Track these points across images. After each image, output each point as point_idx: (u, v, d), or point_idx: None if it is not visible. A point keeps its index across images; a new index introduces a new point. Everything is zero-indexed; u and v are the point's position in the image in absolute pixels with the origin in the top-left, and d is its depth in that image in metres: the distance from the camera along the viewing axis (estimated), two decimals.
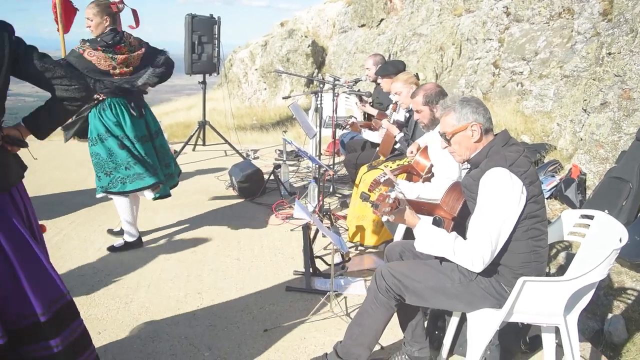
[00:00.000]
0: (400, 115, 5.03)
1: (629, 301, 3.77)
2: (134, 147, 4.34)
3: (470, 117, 2.62)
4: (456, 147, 2.69)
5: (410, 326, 2.97)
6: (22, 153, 2.47)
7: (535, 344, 3.17)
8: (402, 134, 4.77)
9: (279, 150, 8.23)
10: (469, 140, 2.64)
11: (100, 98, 4.27)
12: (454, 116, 2.65)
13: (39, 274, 2.26)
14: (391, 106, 5.30)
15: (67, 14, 6.95)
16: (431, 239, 2.56)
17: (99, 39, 4.14)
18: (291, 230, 5.17)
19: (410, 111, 4.82)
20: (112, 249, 4.60)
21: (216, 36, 7.89)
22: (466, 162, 2.77)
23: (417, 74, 4.98)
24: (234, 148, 7.96)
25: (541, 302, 2.58)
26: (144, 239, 4.80)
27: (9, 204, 2.24)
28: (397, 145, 4.85)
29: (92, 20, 4.18)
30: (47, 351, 2.29)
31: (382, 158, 4.96)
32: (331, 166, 5.80)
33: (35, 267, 2.26)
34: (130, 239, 4.64)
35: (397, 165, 4.53)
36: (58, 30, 6.71)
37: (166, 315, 3.60)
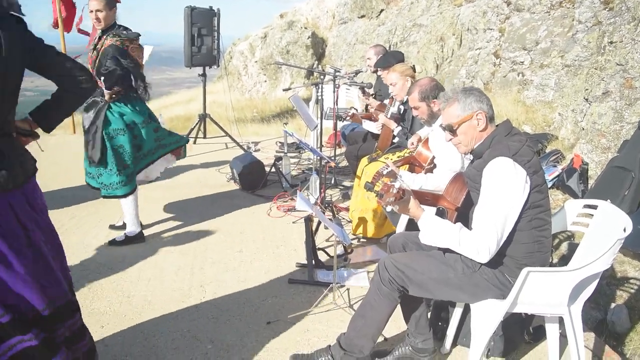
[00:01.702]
0: (395, 108, 5.01)
1: (632, 290, 3.77)
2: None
3: (475, 105, 2.61)
4: (462, 137, 2.67)
5: (414, 317, 2.96)
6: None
7: (539, 334, 3.17)
8: (400, 128, 4.75)
9: (280, 143, 8.21)
10: (475, 130, 2.63)
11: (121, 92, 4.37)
12: (458, 106, 2.64)
13: None
14: (387, 100, 5.27)
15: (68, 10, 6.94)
16: (436, 230, 2.54)
17: (131, 32, 4.30)
18: (293, 222, 5.17)
19: (404, 104, 4.80)
20: (113, 242, 4.60)
21: (216, 28, 7.85)
22: (469, 153, 2.75)
23: (413, 65, 4.93)
24: (234, 141, 7.95)
25: (545, 292, 2.57)
26: (146, 232, 4.80)
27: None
28: (396, 140, 4.83)
29: (102, 12, 4.18)
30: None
31: (380, 152, 4.95)
32: (332, 158, 5.78)
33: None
34: (131, 234, 4.64)
35: (398, 157, 4.51)
36: (56, 26, 6.70)
37: (169, 309, 3.60)
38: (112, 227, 4.91)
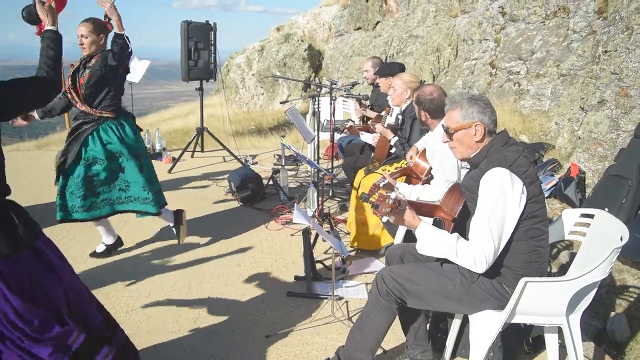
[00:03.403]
0: (392, 119, 5.01)
1: (631, 299, 3.76)
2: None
3: (476, 116, 2.61)
4: (457, 144, 2.69)
5: (413, 329, 2.96)
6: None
7: (538, 344, 3.16)
8: (396, 138, 4.75)
9: (278, 155, 8.22)
10: (471, 139, 2.63)
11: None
12: (460, 113, 2.64)
13: None
14: (384, 111, 5.28)
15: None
16: (433, 240, 2.54)
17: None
18: (291, 235, 5.16)
19: (402, 113, 4.81)
20: (94, 254, 4.64)
21: (212, 42, 7.89)
22: (466, 162, 2.76)
23: (423, 81, 4.93)
24: (232, 154, 7.96)
25: (543, 302, 2.57)
26: (144, 246, 4.82)
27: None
28: (393, 150, 4.84)
29: (86, 38, 4.13)
30: None
31: (377, 163, 4.95)
32: (330, 170, 5.78)
33: None
34: (110, 242, 4.66)
35: (395, 168, 4.51)
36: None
37: (167, 323, 3.59)
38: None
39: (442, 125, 2.79)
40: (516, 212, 2.44)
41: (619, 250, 2.48)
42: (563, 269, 4.08)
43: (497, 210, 2.42)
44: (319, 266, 4.29)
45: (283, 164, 7.00)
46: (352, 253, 4.67)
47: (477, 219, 2.48)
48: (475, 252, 2.41)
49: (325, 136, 6.56)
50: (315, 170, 5.18)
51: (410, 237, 3.75)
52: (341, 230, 5.17)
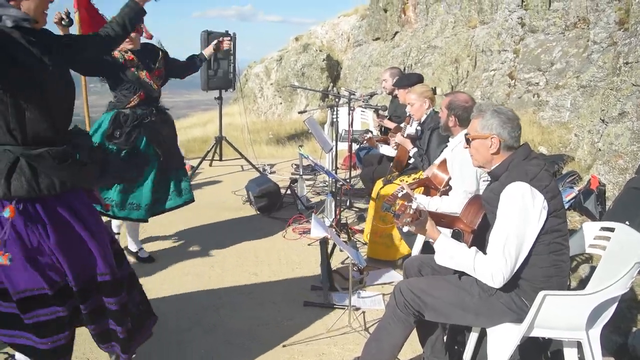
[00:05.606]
0: (412, 129, 5.01)
1: None
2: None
3: (494, 128, 2.61)
4: (474, 151, 2.72)
5: (430, 341, 2.94)
6: None
7: (557, 359, 3.13)
8: (415, 149, 4.75)
9: (295, 165, 8.25)
10: (486, 151, 2.64)
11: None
12: (480, 123, 2.66)
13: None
14: (405, 120, 5.28)
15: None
16: (451, 253, 2.55)
17: None
18: (308, 244, 5.17)
19: (421, 124, 4.80)
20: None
21: (232, 52, 7.95)
22: (487, 175, 2.76)
23: (434, 88, 4.94)
24: (250, 163, 8.00)
25: (563, 316, 2.54)
26: (161, 254, 4.87)
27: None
28: (411, 160, 4.83)
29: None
30: None
31: (396, 173, 4.94)
32: (348, 180, 5.79)
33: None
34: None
35: (414, 179, 4.51)
36: None
37: (184, 330, 3.61)
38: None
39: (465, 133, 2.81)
40: (536, 227, 2.43)
41: None
42: (582, 283, 4.03)
43: (517, 225, 2.41)
44: (336, 276, 4.29)
45: (301, 173, 7.01)
46: (369, 264, 4.66)
47: (496, 234, 2.47)
48: (492, 267, 2.41)
49: (343, 146, 6.57)
50: (333, 180, 5.19)
51: (427, 248, 3.74)
52: (358, 241, 5.16)
